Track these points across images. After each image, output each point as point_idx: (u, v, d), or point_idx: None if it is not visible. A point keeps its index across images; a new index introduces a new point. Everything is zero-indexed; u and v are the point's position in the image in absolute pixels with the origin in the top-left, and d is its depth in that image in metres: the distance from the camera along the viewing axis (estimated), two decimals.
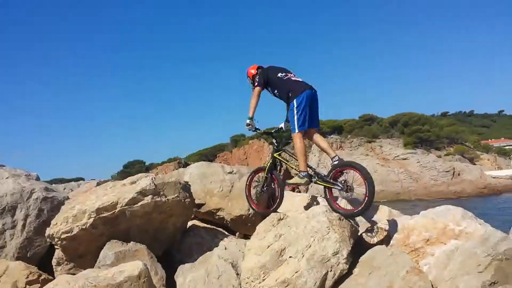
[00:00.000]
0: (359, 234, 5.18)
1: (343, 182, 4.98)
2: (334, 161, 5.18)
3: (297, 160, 5.67)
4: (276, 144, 5.82)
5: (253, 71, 5.94)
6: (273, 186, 5.86)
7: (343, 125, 70.27)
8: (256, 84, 5.60)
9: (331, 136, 64.61)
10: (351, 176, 4.96)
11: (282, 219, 5.24)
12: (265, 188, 5.82)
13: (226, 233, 6.42)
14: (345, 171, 5.02)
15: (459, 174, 52.78)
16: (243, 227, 6.53)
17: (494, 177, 53.38)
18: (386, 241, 4.97)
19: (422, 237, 4.71)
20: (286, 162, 5.88)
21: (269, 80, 5.64)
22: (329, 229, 4.56)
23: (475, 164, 60.36)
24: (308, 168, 5.30)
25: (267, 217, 5.36)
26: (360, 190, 4.90)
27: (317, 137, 5.51)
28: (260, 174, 6.01)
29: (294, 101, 5.29)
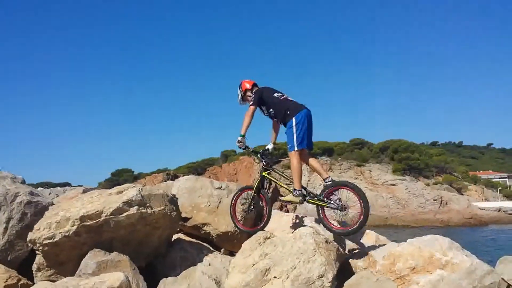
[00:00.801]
0: (345, 258, 5.15)
1: (337, 200, 4.98)
2: (327, 181, 5.19)
3: (286, 179, 5.68)
4: (264, 164, 5.80)
5: (247, 85, 5.98)
6: (260, 205, 5.84)
7: (334, 147, 70.82)
8: (251, 103, 5.59)
9: (321, 157, 64.93)
10: (345, 195, 4.97)
11: (269, 237, 5.19)
12: (252, 207, 5.81)
13: (212, 248, 6.35)
14: (339, 190, 5.03)
15: (446, 203, 53.20)
16: (228, 244, 6.46)
17: (481, 208, 53.78)
18: (372, 266, 4.94)
19: (408, 264, 4.68)
20: (276, 181, 5.87)
21: (264, 99, 5.66)
22: (315, 251, 4.52)
23: (462, 194, 60.87)
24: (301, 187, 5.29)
25: (253, 235, 5.31)
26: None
27: (310, 158, 5.53)
28: (247, 192, 5.99)
29: (293, 119, 5.31)
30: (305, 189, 5.37)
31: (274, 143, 6.05)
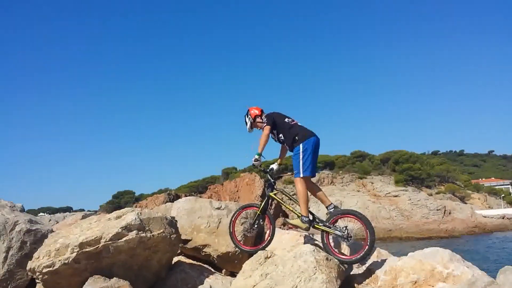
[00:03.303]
0: (346, 274, 5.11)
1: (343, 228, 4.99)
2: (330, 209, 5.23)
3: (291, 200, 5.72)
4: (273, 183, 5.81)
5: (256, 112, 6.00)
6: (262, 224, 5.83)
7: (335, 160, 70.68)
8: (265, 124, 5.61)
9: (323, 171, 64.75)
10: (351, 223, 5.01)
11: (269, 257, 5.17)
12: (255, 226, 5.80)
13: (213, 270, 6.31)
14: (345, 218, 5.05)
15: (450, 213, 52.87)
16: (229, 264, 6.42)
17: (485, 216, 53.49)
18: (373, 282, 4.91)
19: (410, 279, 4.66)
20: (283, 203, 5.90)
21: (276, 124, 5.69)
22: (316, 269, 4.50)
23: (466, 203, 60.56)
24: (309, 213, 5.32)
25: (254, 255, 5.29)
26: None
27: (313, 185, 5.55)
28: (248, 211, 5.98)
29: (301, 146, 5.36)
30: (312, 214, 5.39)
31: (280, 164, 6.04)
